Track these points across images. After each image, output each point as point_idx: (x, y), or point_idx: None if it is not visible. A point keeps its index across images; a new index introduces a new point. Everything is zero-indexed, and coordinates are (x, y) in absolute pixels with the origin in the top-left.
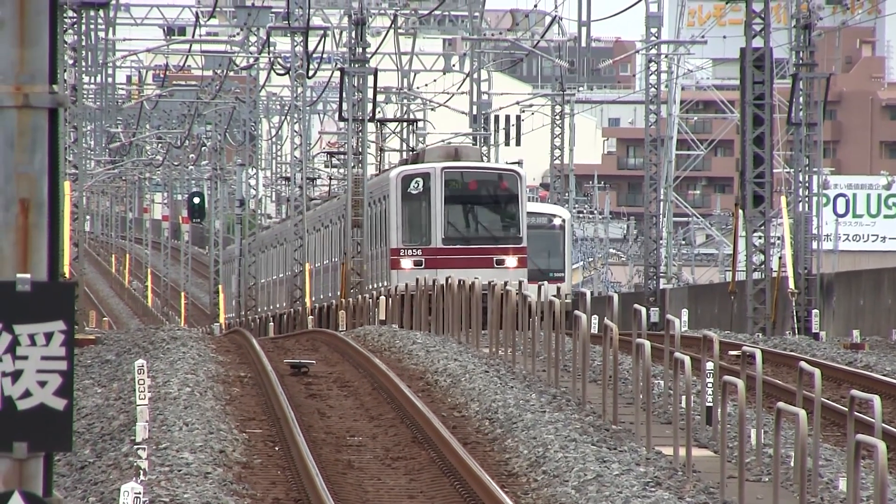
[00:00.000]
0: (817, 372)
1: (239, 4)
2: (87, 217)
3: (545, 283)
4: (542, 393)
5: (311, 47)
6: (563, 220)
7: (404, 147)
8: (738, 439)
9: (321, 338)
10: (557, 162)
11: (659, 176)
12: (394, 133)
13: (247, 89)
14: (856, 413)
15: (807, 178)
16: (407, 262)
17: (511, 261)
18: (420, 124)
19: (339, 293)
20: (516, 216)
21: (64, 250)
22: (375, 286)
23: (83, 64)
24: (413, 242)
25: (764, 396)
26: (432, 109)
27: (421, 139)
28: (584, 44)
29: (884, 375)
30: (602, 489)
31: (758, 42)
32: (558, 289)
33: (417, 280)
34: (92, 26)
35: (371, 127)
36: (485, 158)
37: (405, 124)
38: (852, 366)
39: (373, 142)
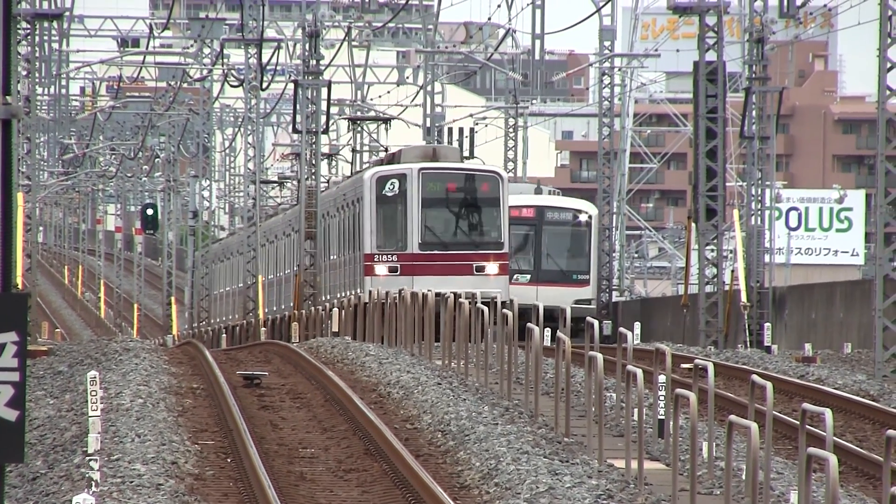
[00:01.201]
0: (769, 385)
1: (193, 16)
2: (40, 228)
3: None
4: (494, 405)
5: (264, 59)
6: (590, 217)
7: (366, 147)
8: (690, 452)
9: (274, 349)
10: (511, 174)
11: (612, 189)
12: (361, 131)
13: (200, 101)
14: (807, 426)
15: (759, 192)
16: (381, 269)
17: (492, 267)
18: (391, 123)
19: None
20: (498, 220)
21: (16, 261)
22: (347, 294)
23: (37, 75)
24: (388, 248)
25: (716, 409)
26: (386, 122)
27: (374, 153)
28: (537, 56)
29: (835, 389)
30: (554, 502)
31: (711, 56)
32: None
33: (370, 292)
34: (46, 37)
35: (342, 129)
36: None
37: (378, 123)
38: (804, 379)
39: (323, 154)
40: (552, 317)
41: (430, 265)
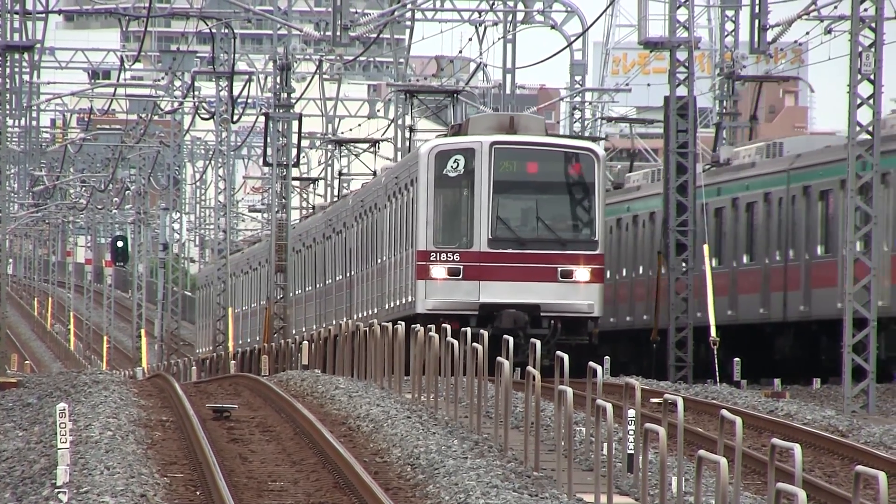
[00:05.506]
0: (738, 420)
1: (164, 49)
2: (10, 260)
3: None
4: (464, 439)
5: (236, 92)
6: None
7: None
8: (659, 487)
9: (244, 382)
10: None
11: None
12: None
13: (171, 133)
14: (777, 461)
15: None
16: (439, 271)
17: (582, 273)
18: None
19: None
20: (592, 211)
21: None
22: (394, 304)
23: (7, 107)
24: (448, 244)
25: (685, 444)
26: (356, 155)
27: (345, 184)
28: (508, 90)
29: (804, 424)
30: None
31: (682, 91)
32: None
33: (340, 325)
34: (17, 69)
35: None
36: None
37: (444, 97)
38: (773, 414)
39: (366, 140)
40: None
41: (501, 268)
